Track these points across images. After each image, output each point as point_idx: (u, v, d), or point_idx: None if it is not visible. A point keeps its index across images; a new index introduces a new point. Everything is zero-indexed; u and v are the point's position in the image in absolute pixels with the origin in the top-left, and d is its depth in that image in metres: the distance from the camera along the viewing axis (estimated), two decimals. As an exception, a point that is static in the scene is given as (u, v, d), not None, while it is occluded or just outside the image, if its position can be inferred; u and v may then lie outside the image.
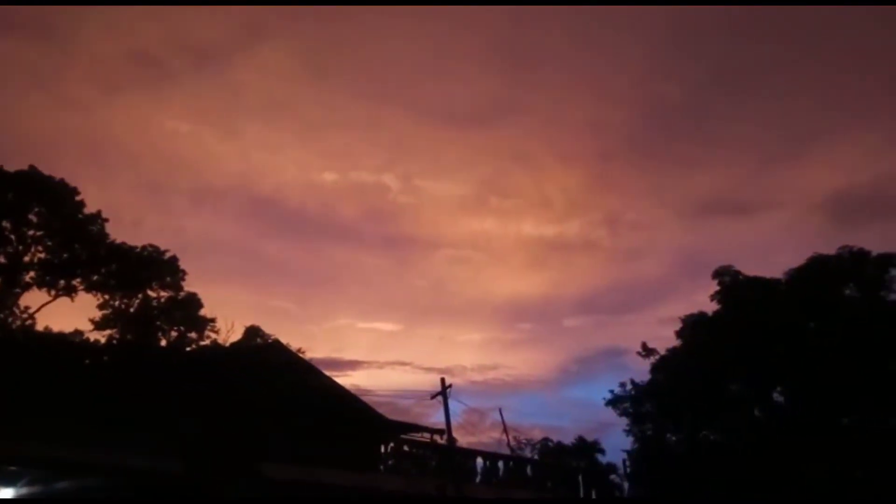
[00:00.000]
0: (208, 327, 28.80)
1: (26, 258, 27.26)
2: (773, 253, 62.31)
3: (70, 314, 28.38)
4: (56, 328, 27.65)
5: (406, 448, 28.45)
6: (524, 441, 38.93)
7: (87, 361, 26.14)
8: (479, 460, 30.24)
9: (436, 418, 29.16)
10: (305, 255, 69.52)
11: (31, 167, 27.08)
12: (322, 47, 61.82)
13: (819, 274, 32.06)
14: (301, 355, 27.94)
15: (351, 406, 26.72)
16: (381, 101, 67.55)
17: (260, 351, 26.48)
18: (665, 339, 35.14)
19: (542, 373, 78.78)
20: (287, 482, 20.71)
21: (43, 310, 27.54)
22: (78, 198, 27.84)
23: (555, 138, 74.84)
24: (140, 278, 28.61)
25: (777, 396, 32.76)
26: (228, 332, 28.74)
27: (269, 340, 28.08)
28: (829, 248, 32.54)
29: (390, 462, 27.97)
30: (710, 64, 66.85)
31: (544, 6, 53.63)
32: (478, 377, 64.77)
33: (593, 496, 32.64)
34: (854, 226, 67.13)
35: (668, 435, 34.85)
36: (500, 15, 59.46)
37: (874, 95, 64.46)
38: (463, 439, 35.15)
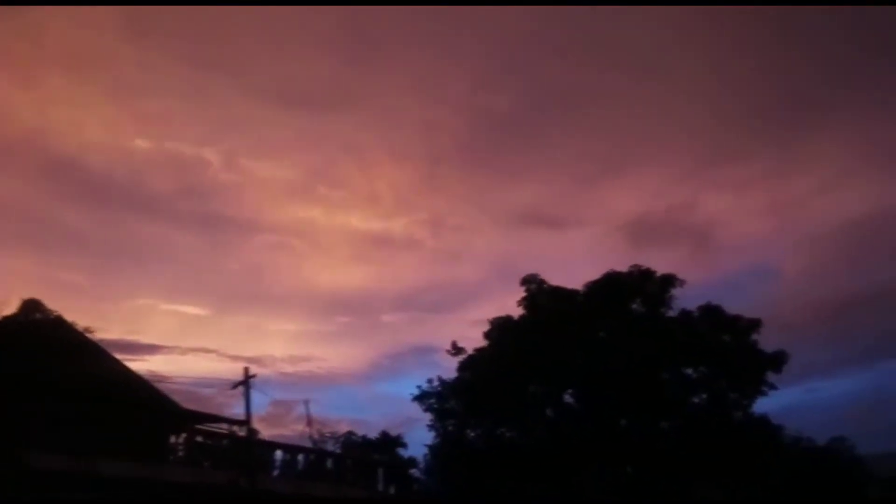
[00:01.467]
0: (-25, 297, 25.09)
1: None
2: (576, 266, 67.66)
3: None
4: None
5: (200, 439, 26.94)
6: (328, 434, 38.54)
7: None
8: (279, 453, 29.46)
9: (239, 409, 27.78)
10: (107, 227, 63.53)
11: None
12: (144, 5, 56.66)
13: (612, 288, 35.14)
14: (88, 335, 25.30)
15: (141, 393, 24.70)
16: (209, 71, 63.57)
17: (36, 327, 23.55)
18: (475, 339, 36.55)
19: (356, 367, 78.83)
20: (55, 472, 18.64)
21: None
22: None
23: (388, 135, 75.39)
24: None
25: (568, 398, 35.36)
26: (2, 303, 25.22)
27: (51, 316, 25.04)
28: (624, 266, 35.85)
29: (181, 453, 26.33)
30: (540, 85, 71.14)
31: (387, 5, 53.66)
32: (289, 368, 63.16)
33: (392, 490, 33.11)
34: (646, 247, 75.04)
35: (469, 431, 36.23)
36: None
37: (673, 134, 72.46)
38: (267, 431, 34.06)
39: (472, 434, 36.23)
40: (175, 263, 67.61)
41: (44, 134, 58.91)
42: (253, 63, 64.77)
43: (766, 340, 33.45)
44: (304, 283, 73.82)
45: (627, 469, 33.66)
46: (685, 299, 34.98)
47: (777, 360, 32.89)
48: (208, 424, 26.95)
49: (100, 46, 58.40)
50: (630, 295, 35.30)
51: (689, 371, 34.24)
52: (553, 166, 77.48)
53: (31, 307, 25.67)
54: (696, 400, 34.02)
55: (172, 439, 26.08)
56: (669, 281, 34.95)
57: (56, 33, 56.24)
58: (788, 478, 34.42)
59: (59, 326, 24.08)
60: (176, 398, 26.79)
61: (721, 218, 76.01)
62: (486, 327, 36.40)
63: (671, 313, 34.95)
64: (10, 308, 25.23)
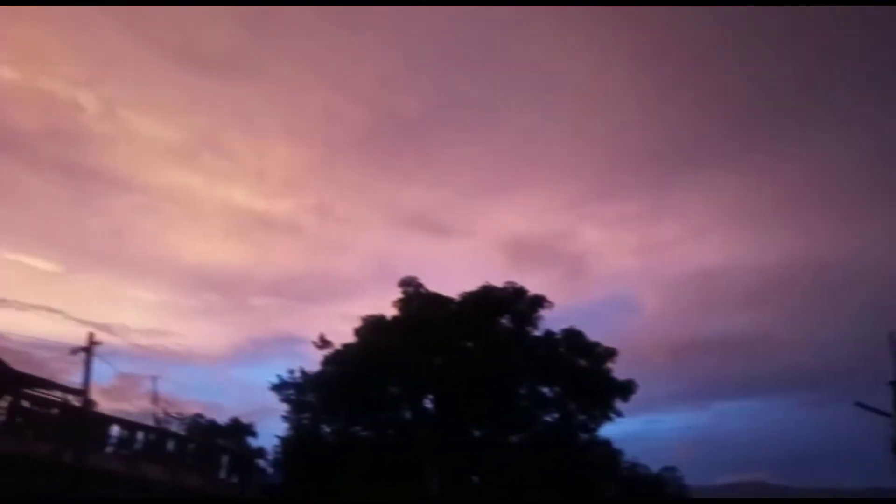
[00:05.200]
0: None
1: None
2: (454, 275, 68.70)
3: None
4: None
5: (27, 404, 24.76)
6: (174, 415, 36.44)
7: None
8: (116, 428, 27.56)
9: (78, 377, 25.68)
10: (-47, 160, 57.01)
11: None
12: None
13: (485, 301, 35.90)
14: None
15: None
16: (100, 9, 58.79)
17: None
18: (344, 334, 35.97)
19: (216, 348, 75.66)
20: None
21: None
22: None
23: (285, 112, 73.49)
24: None
25: (428, 403, 35.64)
26: None
27: None
28: (500, 281, 36.72)
29: (1, 418, 24.03)
30: (445, 93, 71.88)
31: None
32: (143, 340, 59.14)
33: (234, 480, 31.91)
34: (522, 266, 77.53)
35: (323, 426, 35.63)
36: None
37: (561, 162, 75.43)
38: (107, 405, 31.75)
39: (327, 430, 35.67)
40: (29, 210, 62.12)
41: None
42: (151, 11, 60.76)
43: (619, 369, 35.45)
44: (172, 252, 70.22)
45: (473, 478, 34.37)
46: (551, 321, 36.44)
47: (626, 389, 34.84)
48: (39, 390, 24.79)
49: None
50: (501, 310, 36.21)
51: (545, 389, 35.57)
52: (446, 174, 78.83)
53: None
54: (547, 418, 35.38)
55: (-6, 401, 23.74)
56: (539, 301, 36.17)
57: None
58: (620, 499, 36.45)
59: None
60: (6, 357, 24.45)
61: (595, 249, 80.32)
62: (358, 324, 36.07)
63: (537, 332, 36.18)
64: None
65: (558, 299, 37.88)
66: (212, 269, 68.83)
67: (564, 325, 36.30)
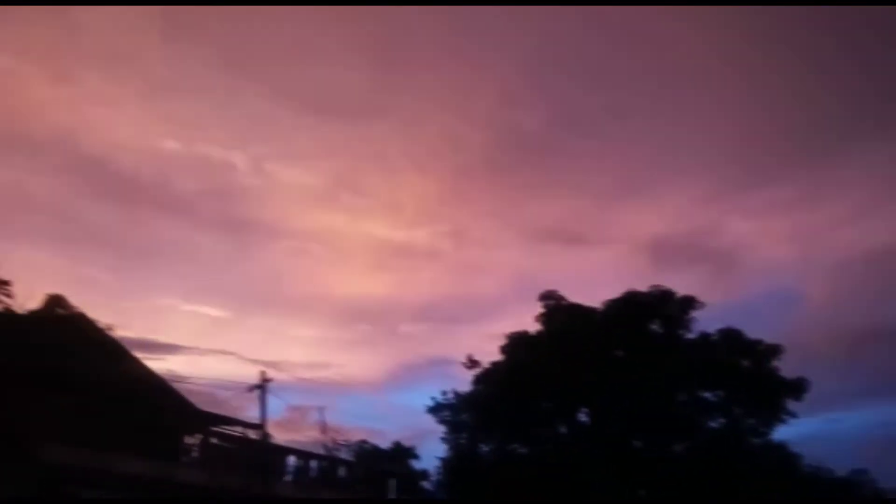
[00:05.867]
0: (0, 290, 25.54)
1: None
2: (596, 284, 67.20)
3: None
4: None
5: (215, 441, 27.18)
6: (342, 442, 38.57)
7: None
8: (292, 458, 29.60)
9: (255, 413, 27.98)
10: (132, 225, 64.14)
11: None
12: (179, 7, 57.66)
13: (632, 308, 34.88)
14: (109, 333, 25.66)
15: (158, 392, 24.99)
16: (238, 75, 64.19)
17: (58, 323, 23.95)
18: (491, 353, 36.36)
19: (373, 375, 78.69)
20: (69, 466, 18.91)
21: None
22: None
23: (413, 145, 75.61)
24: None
25: (583, 416, 35.09)
26: (26, 298, 25.66)
27: (73, 312, 25.46)
28: (644, 286, 35.52)
29: (195, 454, 26.58)
30: (566, 102, 70.99)
31: (422, 12, 54.14)
32: (307, 374, 63.28)
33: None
34: (667, 268, 74.33)
35: (481, 445, 36.07)
36: (375, 12, 59.21)
37: (698, 155, 71.95)
38: (281, 436, 34.15)
39: (485, 448, 36.07)
40: (198, 265, 68.28)
41: (75, 131, 59.85)
42: (282, 68, 65.53)
43: (787, 367, 32.95)
44: (325, 289, 74.11)
45: (640, 491, 33.27)
46: (705, 322, 34.61)
47: (797, 388, 32.35)
48: (223, 427, 27.19)
49: (135, 46, 59.35)
50: (649, 315, 35.01)
51: (707, 394, 33.83)
52: (577, 184, 77.23)
53: (55, 302, 26.10)
54: (712, 424, 33.58)
55: (188, 440, 26.34)
56: (689, 303, 34.62)
57: (93, 31, 57.19)
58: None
59: (82, 323, 24.48)
60: (193, 399, 27.06)
61: (745, 241, 74.84)
62: (503, 341, 36.30)
63: (690, 336, 34.60)
64: (35, 302, 25.70)
65: (710, 298, 35.98)
66: (361, 301, 72.05)
67: (720, 325, 34.44)
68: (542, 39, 61.87)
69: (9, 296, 25.42)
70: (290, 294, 72.26)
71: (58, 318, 24.38)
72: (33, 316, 24.14)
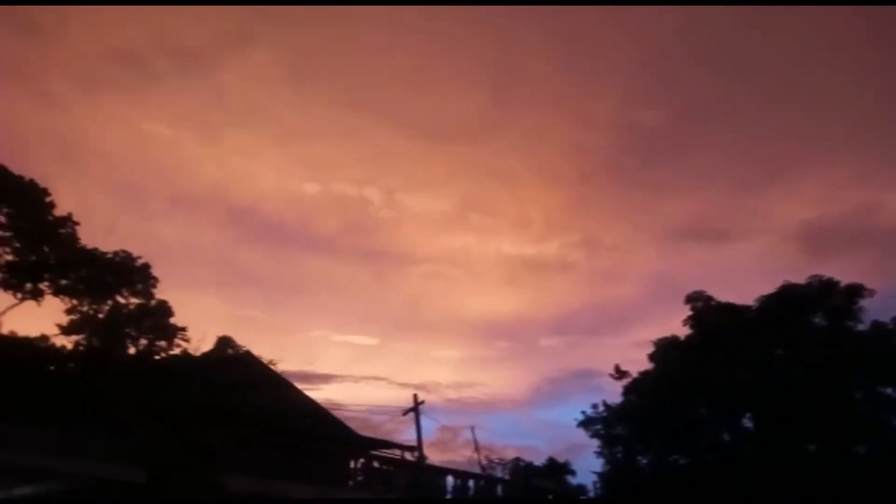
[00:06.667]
0: (178, 336, 28.26)
1: (-8, 259, 26.61)
2: (745, 280, 63.25)
3: (37, 318, 27.74)
4: (21, 332, 26.99)
5: (376, 464, 28.25)
6: (496, 460, 38.76)
7: (52, 367, 25.57)
8: (450, 478, 30.12)
9: (409, 435, 28.96)
10: (281, 266, 69.03)
11: (0, 166, 26.55)
12: (306, 55, 61.80)
13: (789, 302, 32.55)
14: (272, 367, 27.63)
15: (322, 420, 26.48)
16: (363, 112, 67.58)
17: (230, 362, 26.15)
18: (638, 362, 35.40)
19: (517, 392, 78.66)
20: (247, 495, 20.37)
21: (8, 313, 26.89)
22: (48, 199, 27.30)
23: (535, 158, 75.58)
24: (110, 284, 28.05)
25: (746, 421, 33.03)
26: (199, 341, 28.28)
27: (241, 351, 27.73)
28: (800, 277, 33.11)
29: (359, 478, 27.75)
30: (687, 94, 68.15)
31: (530, 23, 54.37)
32: (453, 394, 64.47)
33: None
34: (824, 256, 68.60)
35: (639, 458, 34.91)
36: (484, 31, 60.20)
37: (843, 132, 66.14)
38: (435, 457, 34.97)
39: (643, 461, 34.85)
40: (343, 296, 72.02)
41: (225, 185, 65.59)
42: (402, 101, 68.15)
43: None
44: (463, 309, 75.40)
45: (817, 499, 30.65)
46: (877, 311, 31.58)
47: None
48: (382, 450, 28.23)
49: (269, 99, 64.32)
50: (810, 308, 32.50)
51: (889, 390, 30.74)
52: (710, 176, 73.48)
53: (224, 343, 28.62)
54: (897, 422, 30.45)
55: (351, 464, 27.59)
56: (856, 291, 31.78)
57: (233, 91, 62.64)
58: None
59: (249, 360, 26.51)
60: (350, 424, 28.44)
61: (913, 217, 67.67)
62: (650, 349, 35.16)
63: (861, 327, 31.70)
64: (208, 344, 28.28)
65: (880, 285, 32.95)
66: (499, 318, 72.65)
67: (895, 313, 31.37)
68: (657, 34, 60.04)
69: (185, 340, 28.26)
70: (430, 317, 74.23)
71: (228, 357, 26.62)
72: (207, 357, 26.53)
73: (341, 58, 61.95)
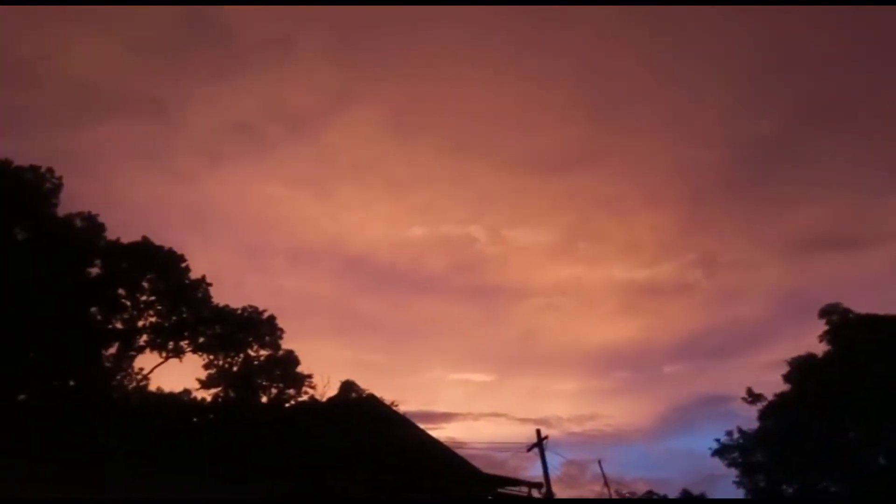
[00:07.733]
0: (305, 383, 29.59)
1: (140, 323, 29.16)
2: (884, 288, 58.26)
3: (179, 374, 30.00)
4: (167, 388, 29.23)
5: (503, 503, 27.94)
6: (627, 494, 37.31)
7: (194, 419, 27.45)
8: (581, 513, 29.31)
9: (533, 471, 28.55)
10: (396, 309, 70.86)
11: (144, 238, 29.30)
12: (406, 107, 64.35)
13: (940, 308, 29.75)
14: (395, 409, 28.22)
15: (446, 459, 26.64)
16: (464, 155, 69.19)
17: (355, 406, 26.98)
18: (771, 384, 33.26)
19: (642, 422, 75.66)
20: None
21: (155, 371, 29.24)
22: (184, 264, 29.77)
23: (641, 180, 74.09)
24: (241, 339, 29.97)
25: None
26: (325, 387, 29.44)
27: (364, 395, 28.56)
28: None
29: (488, 518, 27.52)
30: (799, 99, 64.78)
31: (620, 48, 53.81)
32: (575, 428, 62.89)
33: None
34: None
35: (784, 486, 32.56)
36: (577, 60, 60.14)
37: None
38: (562, 493, 34.15)
39: (788, 489, 32.45)
40: (457, 335, 72.70)
41: (339, 237, 68.76)
42: (504, 139, 69.25)
43: None
44: (579, 340, 74.00)
45: None
46: None
47: None
48: (508, 488, 27.94)
49: (375, 153, 67.34)
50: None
51: None
52: (833, 182, 68.83)
53: (348, 387, 29.63)
54: None
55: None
56: None
57: (341, 148, 66.09)
58: None
59: (373, 403, 27.25)
60: (475, 463, 28.37)
61: None
62: (785, 369, 33.13)
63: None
64: (332, 389, 29.41)
65: None
66: (616, 347, 70.71)
67: None
68: (759, 40, 57.78)
69: (312, 387, 29.55)
70: (546, 350, 73.32)
71: (352, 401, 27.51)
72: (334, 402, 27.54)
73: (439, 105, 64.15)
